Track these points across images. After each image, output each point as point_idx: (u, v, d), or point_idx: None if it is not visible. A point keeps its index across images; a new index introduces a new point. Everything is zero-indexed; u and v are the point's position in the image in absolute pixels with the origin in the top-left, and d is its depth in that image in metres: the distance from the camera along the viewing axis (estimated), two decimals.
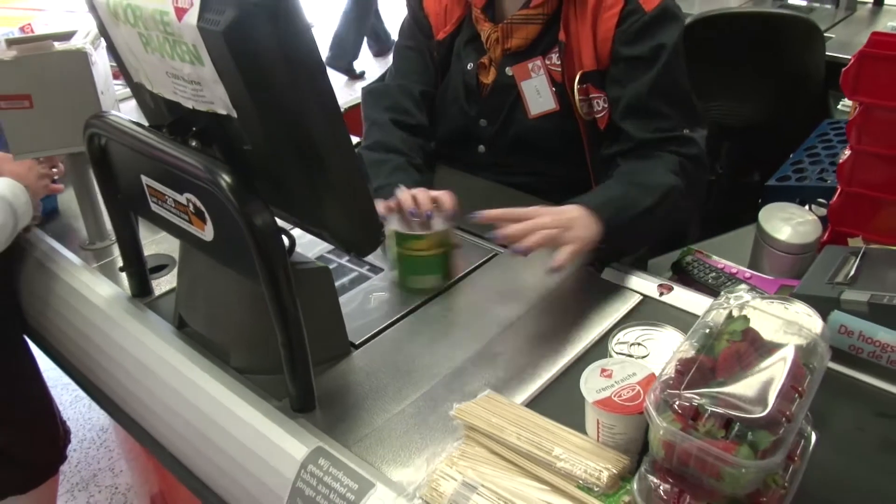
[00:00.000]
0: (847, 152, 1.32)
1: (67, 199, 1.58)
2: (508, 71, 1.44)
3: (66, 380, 2.83)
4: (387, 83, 1.59)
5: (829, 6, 2.89)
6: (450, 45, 1.53)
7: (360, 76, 5.63)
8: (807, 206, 1.54)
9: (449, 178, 1.55)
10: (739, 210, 1.64)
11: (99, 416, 2.76)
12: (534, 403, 0.99)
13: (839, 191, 1.35)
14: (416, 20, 1.57)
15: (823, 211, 1.47)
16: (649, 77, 1.32)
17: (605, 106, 1.38)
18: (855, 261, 1.17)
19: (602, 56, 1.37)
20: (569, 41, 1.38)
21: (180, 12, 0.83)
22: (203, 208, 0.96)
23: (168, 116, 1.02)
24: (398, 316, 1.18)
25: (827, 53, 2.22)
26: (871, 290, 1.07)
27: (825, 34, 2.45)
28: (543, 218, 1.16)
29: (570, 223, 1.17)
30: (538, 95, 1.42)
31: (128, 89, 1.89)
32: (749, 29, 2.28)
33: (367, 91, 1.60)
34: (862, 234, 1.34)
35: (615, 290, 1.20)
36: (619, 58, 1.35)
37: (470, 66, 1.49)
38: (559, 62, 1.40)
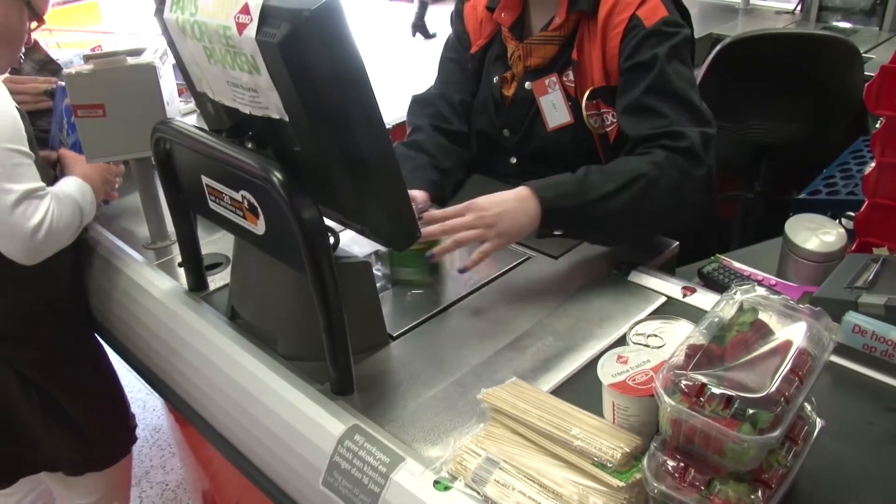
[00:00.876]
0: (872, 164, 1.36)
1: (132, 202, 1.70)
2: (527, 85, 1.54)
3: (124, 381, 2.97)
4: (431, 92, 1.71)
5: (873, 28, 2.90)
6: (482, 58, 1.64)
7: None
8: (837, 220, 1.57)
9: (485, 186, 1.64)
10: (776, 227, 1.67)
11: (152, 417, 2.89)
12: (557, 392, 1.06)
13: (865, 202, 1.39)
14: (458, 34, 1.70)
15: (853, 224, 1.51)
16: (645, 80, 1.37)
17: (615, 120, 1.45)
18: (875, 267, 1.21)
19: (611, 72, 1.44)
20: (581, 59, 1.46)
21: (241, 27, 0.93)
22: (256, 204, 1.05)
23: (227, 122, 1.12)
24: (433, 311, 1.25)
25: (866, 73, 2.25)
26: (889, 294, 1.12)
27: (867, 55, 2.48)
28: (466, 217, 1.24)
29: (496, 219, 1.23)
30: (554, 109, 1.52)
31: (189, 105, 2.03)
32: (789, 50, 2.32)
33: (414, 99, 1.72)
34: (888, 244, 1.38)
35: (640, 291, 1.26)
36: (622, 70, 1.42)
37: (496, 79, 1.60)
38: (573, 79, 1.48)
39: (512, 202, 1.25)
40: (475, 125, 1.67)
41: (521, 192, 1.27)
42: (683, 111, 1.36)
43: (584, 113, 1.47)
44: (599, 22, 1.43)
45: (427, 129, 1.63)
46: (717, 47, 2.31)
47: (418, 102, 1.71)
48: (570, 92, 1.50)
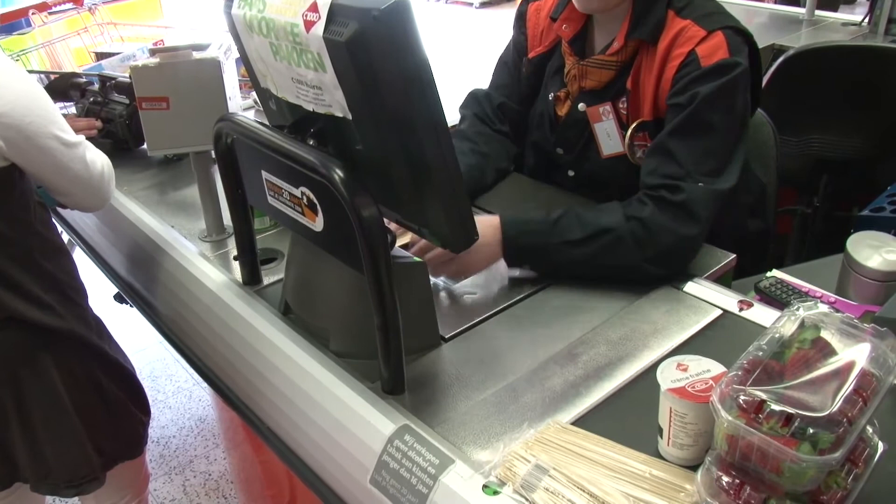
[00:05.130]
0: None
1: (189, 195, 1.73)
2: (581, 107, 1.51)
3: (171, 371, 3.02)
4: (483, 90, 1.75)
5: None
6: (539, 66, 1.62)
7: None
8: None
9: (539, 193, 1.64)
10: (833, 243, 1.63)
11: (198, 407, 2.93)
12: (608, 402, 1.05)
13: None
14: (515, 38, 1.69)
15: None
16: (675, 120, 1.32)
17: None
18: None
19: (661, 106, 1.40)
20: (635, 90, 1.43)
21: (309, 25, 0.94)
22: (316, 201, 1.06)
23: (289, 118, 1.13)
24: (487, 315, 1.25)
25: None
26: None
27: None
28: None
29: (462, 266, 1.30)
30: (608, 138, 1.49)
31: (247, 100, 2.06)
32: (855, 63, 2.27)
33: (470, 93, 1.77)
34: None
35: (696, 303, 1.24)
36: (667, 105, 1.37)
37: (551, 96, 1.58)
38: (627, 107, 1.45)
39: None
40: (531, 136, 1.66)
41: (492, 221, 1.32)
42: (702, 162, 1.30)
43: (628, 142, 1.45)
44: (658, 53, 1.38)
45: (470, 118, 1.70)
46: (780, 59, 2.27)
47: (470, 96, 1.76)
48: (624, 120, 1.47)
